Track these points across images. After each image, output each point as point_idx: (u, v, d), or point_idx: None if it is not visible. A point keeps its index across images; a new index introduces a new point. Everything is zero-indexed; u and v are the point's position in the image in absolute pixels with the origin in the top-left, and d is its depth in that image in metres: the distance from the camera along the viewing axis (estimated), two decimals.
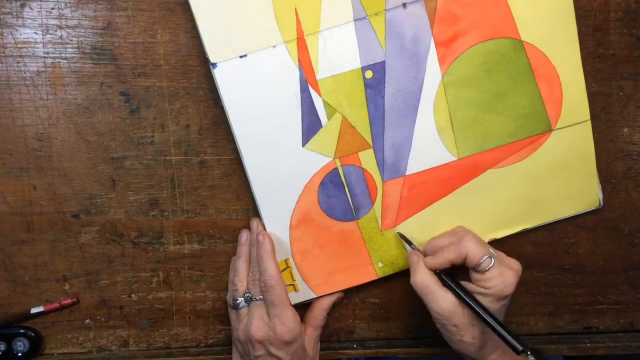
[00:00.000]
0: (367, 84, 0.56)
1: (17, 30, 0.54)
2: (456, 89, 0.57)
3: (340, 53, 0.55)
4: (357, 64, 0.56)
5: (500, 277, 0.52)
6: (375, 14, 0.55)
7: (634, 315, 0.66)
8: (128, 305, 0.60)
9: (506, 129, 0.58)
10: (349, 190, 0.58)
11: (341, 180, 0.58)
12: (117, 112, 0.56)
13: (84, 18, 0.54)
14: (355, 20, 0.55)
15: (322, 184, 0.57)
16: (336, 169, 0.57)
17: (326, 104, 0.56)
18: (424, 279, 0.54)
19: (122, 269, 0.59)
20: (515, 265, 0.54)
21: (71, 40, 0.55)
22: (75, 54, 0.55)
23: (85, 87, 0.56)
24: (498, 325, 0.50)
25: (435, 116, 0.57)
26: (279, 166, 0.57)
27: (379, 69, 0.56)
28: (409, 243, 0.58)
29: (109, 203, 0.58)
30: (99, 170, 0.57)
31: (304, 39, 0.54)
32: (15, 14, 0.54)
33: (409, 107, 0.57)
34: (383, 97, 0.56)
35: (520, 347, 0.49)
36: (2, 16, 0.54)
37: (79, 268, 0.59)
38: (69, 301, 0.58)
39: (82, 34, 0.55)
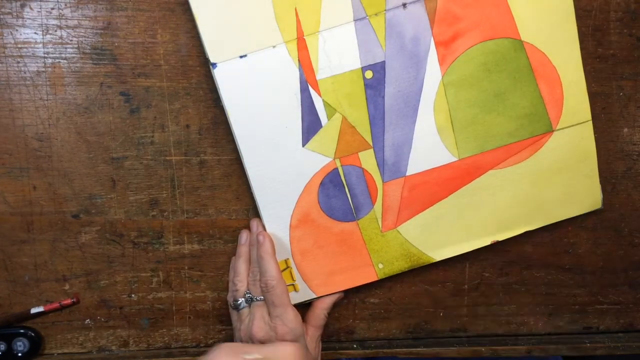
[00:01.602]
0: (367, 84, 0.56)
1: (17, 30, 0.54)
2: (456, 89, 0.57)
3: (340, 53, 0.55)
4: (357, 64, 0.56)
5: None
6: (375, 14, 0.55)
7: (634, 315, 0.66)
8: (128, 305, 0.60)
9: (507, 130, 0.58)
10: (349, 191, 0.58)
11: (341, 181, 0.58)
12: (117, 112, 0.56)
13: (84, 18, 0.54)
14: (355, 20, 0.55)
15: (322, 184, 0.57)
16: (336, 169, 0.57)
17: (326, 104, 0.56)
18: None
19: (122, 269, 0.59)
20: None
21: (71, 40, 0.55)
22: (75, 54, 0.55)
23: (85, 87, 0.56)
24: None
25: (436, 116, 0.57)
26: (279, 166, 0.57)
27: (379, 69, 0.56)
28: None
29: (109, 203, 0.58)
30: (99, 170, 0.57)
31: (304, 39, 0.54)
32: (15, 14, 0.54)
33: (409, 107, 0.57)
34: (383, 97, 0.56)
35: None
36: (2, 16, 0.54)
37: (79, 268, 0.59)
38: (68, 301, 0.58)
39: (82, 34, 0.55)
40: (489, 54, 0.57)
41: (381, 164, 0.58)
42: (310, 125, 0.56)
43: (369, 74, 0.56)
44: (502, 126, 0.58)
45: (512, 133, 0.58)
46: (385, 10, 0.55)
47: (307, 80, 0.55)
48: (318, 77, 0.55)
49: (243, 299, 0.56)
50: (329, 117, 0.56)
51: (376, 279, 0.60)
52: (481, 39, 0.56)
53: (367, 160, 0.58)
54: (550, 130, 0.59)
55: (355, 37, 0.55)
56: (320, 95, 0.56)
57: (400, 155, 0.58)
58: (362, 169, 0.58)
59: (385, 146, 0.57)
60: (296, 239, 0.59)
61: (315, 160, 0.57)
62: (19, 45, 0.54)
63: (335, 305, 0.62)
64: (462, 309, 0.60)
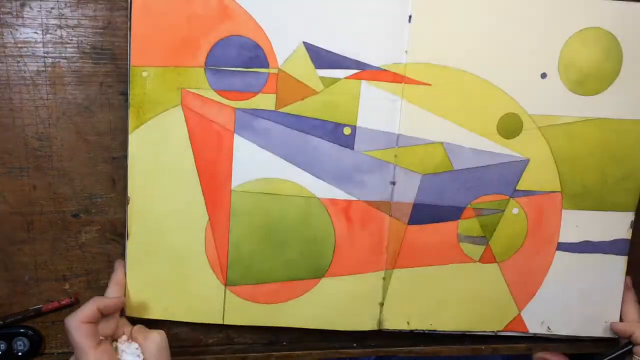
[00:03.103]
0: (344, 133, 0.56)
1: (17, 30, 0.54)
2: None
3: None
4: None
5: None
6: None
7: None
8: None
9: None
10: None
11: None
12: (117, 111, 0.56)
13: (84, 18, 0.55)
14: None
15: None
16: None
17: None
18: None
19: None
20: None
21: (71, 40, 0.55)
22: (75, 53, 0.55)
23: (85, 87, 0.56)
24: None
25: None
26: None
27: (351, 139, 0.56)
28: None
29: (109, 203, 0.58)
30: (99, 170, 0.57)
31: None
32: (15, 13, 0.54)
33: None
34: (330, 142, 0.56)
35: None
36: (2, 16, 0.54)
37: (79, 268, 0.59)
38: (67, 301, 0.58)
39: (82, 33, 0.55)
40: None
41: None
42: None
43: (347, 130, 0.56)
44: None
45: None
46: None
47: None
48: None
49: None
50: None
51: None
52: None
53: None
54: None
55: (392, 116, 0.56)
56: None
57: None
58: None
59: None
60: None
61: None
62: (19, 45, 0.54)
63: None
64: None
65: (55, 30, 0.54)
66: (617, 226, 0.60)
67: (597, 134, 0.58)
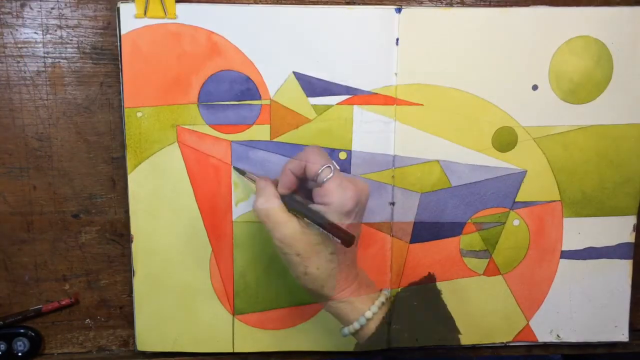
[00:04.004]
0: (340, 158, 0.57)
1: (17, 30, 0.54)
2: None
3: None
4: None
5: (339, 190, 0.49)
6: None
7: (633, 315, 0.66)
8: (128, 305, 0.60)
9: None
10: None
11: None
12: (117, 112, 0.56)
13: (84, 18, 0.54)
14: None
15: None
16: None
17: None
18: (266, 202, 0.51)
19: (122, 269, 0.59)
20: (360, 184, 0.51)
21: (71, 40, 0.55)
22: (75, 54, 0.55)
23: (85, 87, 0.55)
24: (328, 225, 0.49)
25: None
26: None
27: (347, 163, 0.56)
28: (243, 173, 0.56)
29: (109, 203, 0.58)
30: (99, 170, 0.57)
31: None
32: (15, 13, 0.54)
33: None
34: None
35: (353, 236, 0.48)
36: (2, 16, 0.53)
37: (79, 268, 0.59)
38: (67, 301, 0.58)
39: (82, 34, 0.55)
40: None
41: None
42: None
43: (343, 155, 0.56)
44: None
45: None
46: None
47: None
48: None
49: None
50: None
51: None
52: None
53: None
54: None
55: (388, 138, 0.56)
56: None
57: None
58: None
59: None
60: None
61: None
62: (19, 45, 0.54)
63: None
64: None
65: (55, 31, 0.54)
66: (620, 230, 0.60)
67: (592, 141, 0.58)
